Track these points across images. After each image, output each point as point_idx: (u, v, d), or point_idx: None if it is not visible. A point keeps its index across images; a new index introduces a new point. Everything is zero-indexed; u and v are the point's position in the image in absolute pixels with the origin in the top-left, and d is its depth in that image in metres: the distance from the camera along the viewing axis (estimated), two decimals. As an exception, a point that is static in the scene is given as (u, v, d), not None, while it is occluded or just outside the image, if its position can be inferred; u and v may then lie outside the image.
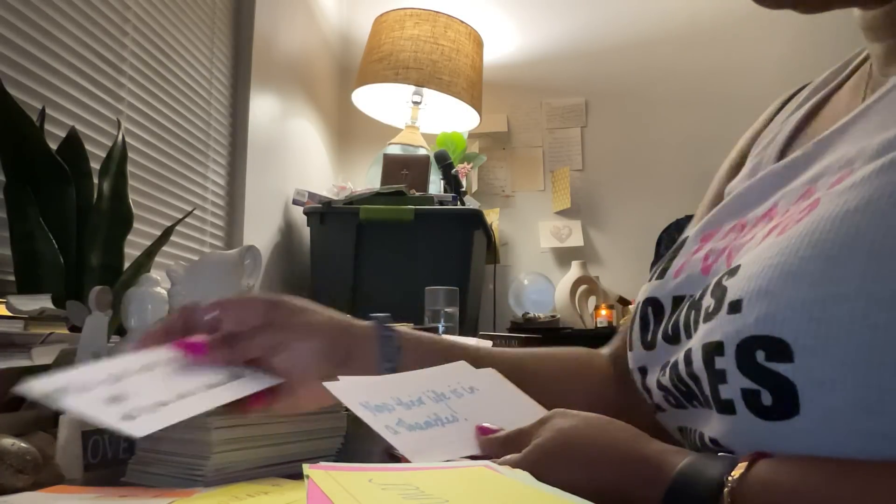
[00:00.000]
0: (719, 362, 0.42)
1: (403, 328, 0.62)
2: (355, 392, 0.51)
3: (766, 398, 0.39)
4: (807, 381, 0.38)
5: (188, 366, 0.51)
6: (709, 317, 0.45)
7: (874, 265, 0.37)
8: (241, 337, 0.53)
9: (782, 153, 0.57)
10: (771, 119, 0.65)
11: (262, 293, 0.56)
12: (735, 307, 0.42)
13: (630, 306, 2.25)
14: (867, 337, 0.36)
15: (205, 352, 0.52)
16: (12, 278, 0.97)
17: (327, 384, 0.50)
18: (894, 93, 0.45)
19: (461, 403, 0.55)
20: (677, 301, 0.53)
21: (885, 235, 0.37)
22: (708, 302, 0.46)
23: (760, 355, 0.39)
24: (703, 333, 0.45)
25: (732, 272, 0.44)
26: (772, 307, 0.39)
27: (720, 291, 0.44)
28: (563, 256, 2.44)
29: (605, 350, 0.72)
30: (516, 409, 0.56)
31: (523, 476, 0.41)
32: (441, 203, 1.95)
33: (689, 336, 0.48)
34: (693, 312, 0.48)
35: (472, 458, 0.50)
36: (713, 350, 0.43)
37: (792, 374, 0.38)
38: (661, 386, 0.51)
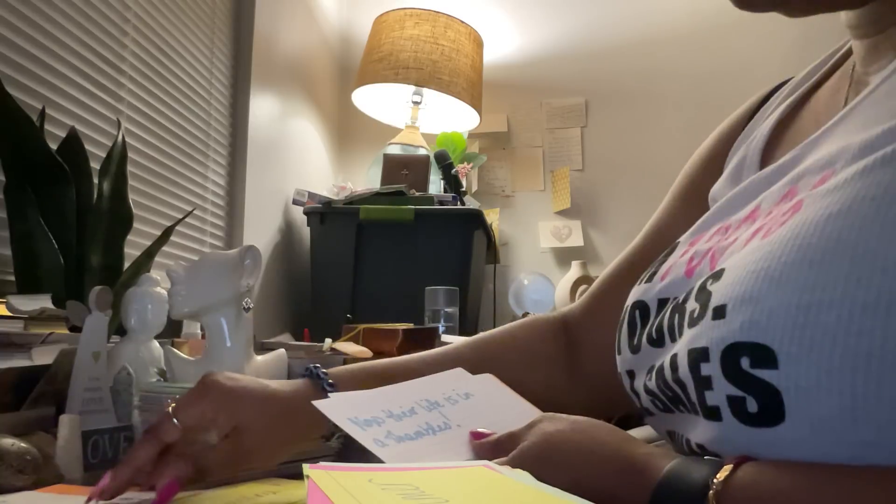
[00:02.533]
0: (705, 368, 0.42)
1: (334, 369, 0.62)
2: (344, 408, 0.51)
3: (752, 405, 0.39)
4: (792, 388, 0.37)
5: None
6: (693, 322, 0.44)
7: (858, 270, 0.36)
8: (205, 459, 0.52)
9: (764, 152, 0.57)
10: (751, 117, 0.64)
11: (218, 387, 0.55)
12: (720, 312, 0.41)
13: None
14: (852, 343, 0.36)
15: (177, 489, 0.50)
16: (12, 278, 0.97)
17: (316, 403, 0.51)
18: (876, 93, 0.45)
19: (455, 410, 0.55)
20: (662, 304, 0.53)
21: (867, 239, 0.37)
22: (692, 306, 0.46)
23: (745, 362, 0.39)
24: (689, 339, 0.44)
25: (717, 276, 0.44)
26: (756, 313, 0.39)
27: (705, 296, 0.44)
28: (563, 256, 2.44)
29: (557, 314, 0.75)
30: (512, 413, 0.56)
31: (523, 476, 0.41)
32: (441, 203, 1.95)
33: (672, 339, 0.48)
34: (677, 315, 0.48)
35: None
36: (699, 356, 0.42)
37: (777, 380, 0.38)
38: (647, 390, 0.51)
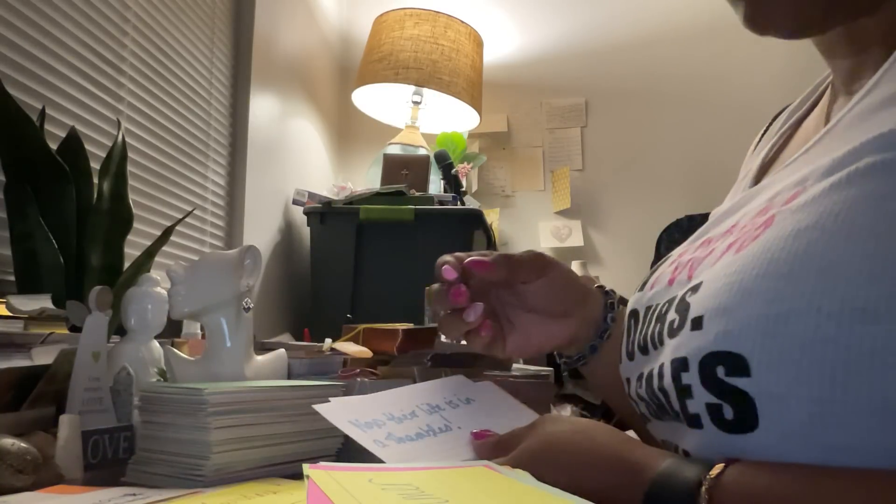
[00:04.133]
0: (685, 378, 0.43)
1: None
2: (345, 411, 0.51)
3: (728, 412, 0.41)
4: (764, 396, 0.39)
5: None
6: (673, 332, 0.46)
7: (823, 281, 0.38)
8: (515, 258, 0.66)
9: (756, 179, 0.59)
10: (755, 147, 0.67)
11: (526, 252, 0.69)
12: (697, 323, 0.43)
13: (630, 306, 2.25)
14: (819, 351, 0.37)
15: (489, 269, 0.64)
16: (12, 278, 0.97)
17: (316, 406, 0.51)
18: (851, 114, 0.46)
19: (456, 414, 0.56)
20: (648, 311, 0.54)
21: (832, 252, 0.38)
22: (672, 316, 0.47)
23: (721, 370, 0.40)
24: (671, 349, 0.46)
25: (695, 289, 0.46)
26: (729, 324, 0.40)
27: (683, 307, 0.46)
28: (563, 256, 2.44)
29: None
30: (512, 418, 0.57)
31: (523, 476, 0.41)
32: (441, 203, 1.95)
33: (654, 347, 0.50)
34: (658, 325, 0.50)
35: None
36: (679, 366, 0.44)
37: (750, 388, 0.39)
38: (640, 397, 0.53)
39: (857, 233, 0.38)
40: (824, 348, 0.37)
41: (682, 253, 0.57)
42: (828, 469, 0.38)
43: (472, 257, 0.64)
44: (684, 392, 0.44)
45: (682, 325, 0.45)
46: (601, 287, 0.70)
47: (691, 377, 0.43)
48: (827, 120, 0.54)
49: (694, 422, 0.43)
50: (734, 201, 0.55)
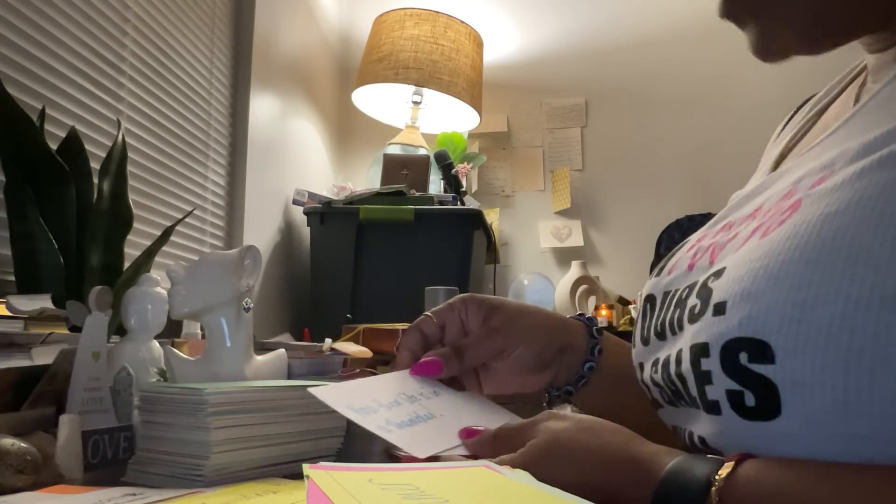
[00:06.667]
0: (705, 363, 0.43)
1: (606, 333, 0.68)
2: (341, 396, 0.52)
3: (750, 399, 0.40)
4: (788, 383, 0.38)
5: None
6: (694, 318, 0.46)
7: (852, 267, 0.37)
8: (467, 347, 0.61)
9: (777, 163, 0.59)
10: (778, 135, 0.67)
11: (477, 296, 0.65)
12: (720, 309, 0.43)
13: (630, 306, 2.25)
14: (846, 339, 0.37)
15: (440, 370, 0.60)
16: (12, 278, 0.97)
17: (313, 390, 0.51)
18: (877, 98, 0.46)
19: (432, 404, 0.57)
20: (666, 296, 0.54)
21: (862, 238, 0.38)
22: (693, 302, 0.47)
23: (744, 357, 0.40)
24: (691, 335, 0.45)
25: (718, 274, 0.45)
26: (754, 309, 0.40)
27: (706, 293, 0.45)
28: (563, 256, 2.44)
29: None
30: (480, 408, 0.60)
31: (523, 476, 0.41)
32: (441, 203, 1.95)
33: (673, 333, 0.50)
34: (678, 310, 0.49)
35: (470, 457, 0.50)
36: (699, 351, 0.43)
37: (773, 375, 0.39)
38: (654, 382, 0.53)
39: (888, 218, 0.37)
40: (851, 336, 0.36)
41: (701, 238, 0.56)
42: (843, 465, 0.37)
43: (420, 361, 0.60)
44: (704, 378, 0.43)
45: (703, 311, 0.44)
46: (581, 319, 0.67)
47: (712, 363, 0.42)
48: (856, 102, 0.53)
49: (712, 408, 0.43)
50: (755, 185, 0.54)
